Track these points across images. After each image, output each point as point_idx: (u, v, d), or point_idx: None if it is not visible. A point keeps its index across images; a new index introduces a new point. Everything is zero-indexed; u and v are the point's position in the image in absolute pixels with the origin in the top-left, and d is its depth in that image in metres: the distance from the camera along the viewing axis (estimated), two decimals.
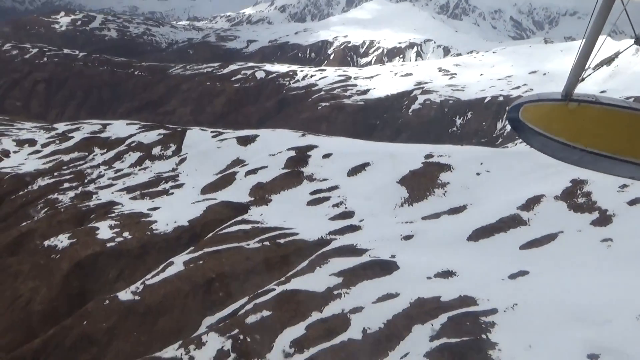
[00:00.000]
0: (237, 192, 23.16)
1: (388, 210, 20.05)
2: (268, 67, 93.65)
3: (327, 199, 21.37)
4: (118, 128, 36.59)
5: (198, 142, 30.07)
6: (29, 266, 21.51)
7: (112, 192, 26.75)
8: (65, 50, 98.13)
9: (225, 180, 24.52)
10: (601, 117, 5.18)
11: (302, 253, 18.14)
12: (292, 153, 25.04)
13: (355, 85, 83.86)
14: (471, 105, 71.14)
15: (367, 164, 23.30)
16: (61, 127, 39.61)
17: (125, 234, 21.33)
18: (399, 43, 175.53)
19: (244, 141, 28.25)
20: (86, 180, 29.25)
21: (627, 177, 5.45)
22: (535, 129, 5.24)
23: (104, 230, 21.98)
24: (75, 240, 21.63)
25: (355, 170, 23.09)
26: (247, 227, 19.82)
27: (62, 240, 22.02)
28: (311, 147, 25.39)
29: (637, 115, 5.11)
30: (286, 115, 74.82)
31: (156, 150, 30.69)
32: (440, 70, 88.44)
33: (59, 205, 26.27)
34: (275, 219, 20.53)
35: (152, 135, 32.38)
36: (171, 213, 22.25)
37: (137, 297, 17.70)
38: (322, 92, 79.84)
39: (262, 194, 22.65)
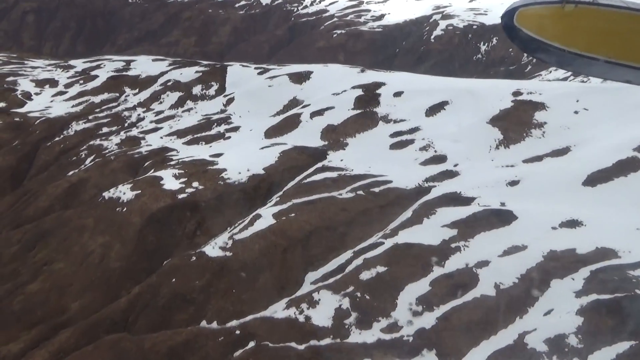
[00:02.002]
0: (307, 136, 22.04)
1: (483, 153, 19.14)
2: None
3: (411, 141, 20.37)
4: (144, 64, 34.64)
5: (243, 80, 28.47)
6: (92, 220, 20.68)
7: (161, 137, 25.53)
8: None
9: (289, 122, 23.29)
10: (598, 19, 5.02)
11: (402, 202, 17.40)
12: (359, 92, 23.68)
13: (368, 10, 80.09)
14: (496, 31, 68.30)
15: (445, 103, 22.11)
16: (79, 64, 37.50)
17: (195, 184, 20.39)
18: None
19: (298, 79, 26.72)
20: (126, 124, 27.87)
21: (623, 81, 5.34)
22: (530, 34, 5.10)
23: (169, 180, 21.01)
24: (140, 191, 20.69)
25: (433, 110, 21.93)
26: (333, 174, 18.92)
27: (124, 192, 21.09)
28: (378, 85, 24.01)
29: (635, 16, 4.93)
30: (299, 44, 71.80)
31: (197, 90, 29.13)
32: None
33: (106, 152, 25.07)
34: (358, 165, 19.61)
35: (188, 73, 30.65)
36: (239, 160, 21.22)
37: (228, 253, 17.05)
38: (335, 19, 76.30)
39: (335, 137, 21.56)
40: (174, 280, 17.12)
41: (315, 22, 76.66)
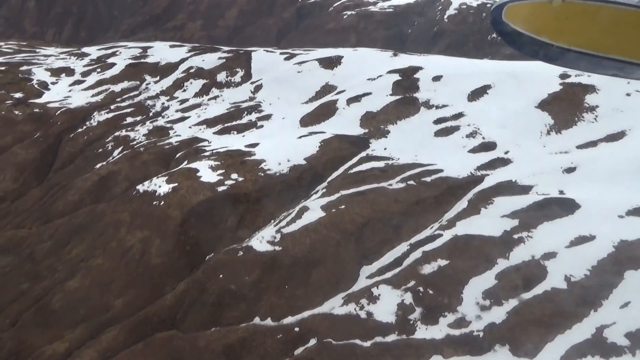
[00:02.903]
0: (345, 124, 21.61)
1: (534, 139, 18.74)
2: None
3: (457, 128, 19.95)
4: (162, 51, 34.05)
5: (270, 66, 27.93)
6: (128, 214, 20.37)
7: (190, 127, 25.11)
8: None
9: (325, 109, 22.83)
10: (586, 14, 5.12)
11: (455, 192, 17.06)
12: (396, 77, 23.18)
13: None
14: None
15: (487, 87, 21.64)
16: (93, 51, 36.89)
17: (234, 175, 20.02)
18: None
19: (328, 64, 26.18)
20: (151, 114, 27.42)
21: (610, 75, 5.46)
22: (518, 29, 5.21)
23: (206, 172, 20.65)
24: (176, 184, 20.34)
25: (476, 94, 21.47)
26: (380, 164, 18.54)
27: (160, 185, 20.74)
28: (415, 69, 23.50)
29: (622, 10, 5.04)
30: (309, 26, 70.91)
31: (221, 77, 28.59)
32: None
33: (134, 143, 24.67)
34: (404, 153, 19.22)
35: (211, 59, 30.09)
36: (277, 150, 20.82)
37: (277, 248, 16.75)
38: (344, 0, 75.17)
39: (376, 125, 21.14)
40: (221, 276, 16.86)
41: (324, 4, 75.61)
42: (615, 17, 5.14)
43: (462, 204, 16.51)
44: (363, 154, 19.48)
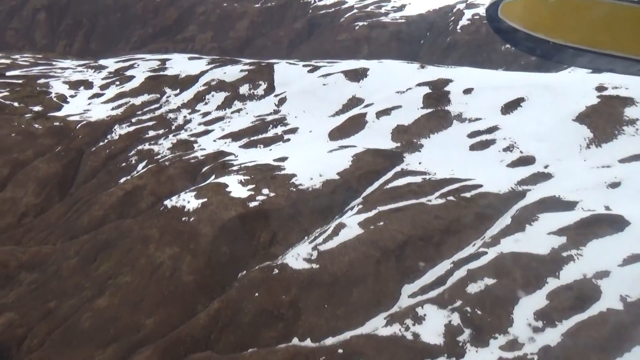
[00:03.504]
0: (376, 137, 21.37)
1: (573, 153, 18.42)
2: None
3: (492, 142, 19.66)
4: (181, 63, 34.01)
5: (293, 79, 27.77)
6: (156, 230, 20.11)
7: (214, 140, 24.91)
8: None
9: (354, 122, 22.60)
10: (582, 10, 5.13)
11: (497, 208, 16.73)
12: (426, 89, 22.96)
13: (388, 1, 79.05)
14: None
15: (521, 100, 21.38)
16: (110, 64, 36.89)
17: (265, 190, 19.76)
18: None
19: (354, 76, 26.00)
20: (173, 127, 27.27)
21: (607, 71, 5.44)
22: (515, 26, 5.19)
23: (236, 186, 20.40)
24: (206, 199, 20.10)
25: (509, 107, 21.20)
26: (417, 179, 18.24)
27: (188, 200, 20.50)
28: (445, 82, 23.28)
29: (619, 6, 5.05)
30: (320, 37, 70.95)
31: (244, 89, 28.45)
32: None
33: (159, 157, 24.47)
34: (440, 168, 18.92)
35: (232, 72, 29.98)
36: (307, 164, 20.57)
37: (315, 265, 16.43)
38: (355, 10, 75.31)
39: (408, 138, 20.88)
40: (257, 294, 16.54)
41: (334, 15, 75.73)
42: (612, 12, 5.11)
43: (505, 220, 16.17)
44: (398, 168, 19.19)
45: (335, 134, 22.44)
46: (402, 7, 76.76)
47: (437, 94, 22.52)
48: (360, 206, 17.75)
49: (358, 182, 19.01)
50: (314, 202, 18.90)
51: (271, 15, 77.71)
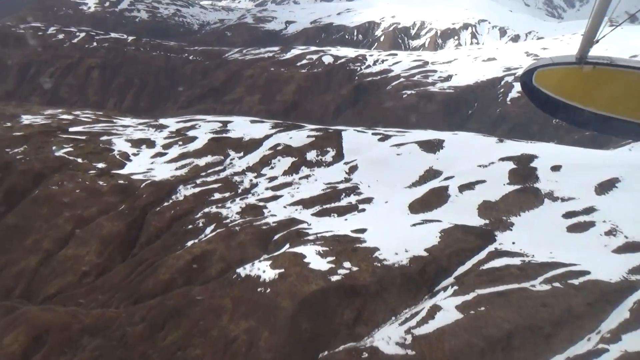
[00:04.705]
0: (461, 212, 20.62)
1: None
2: (334, 51, 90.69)
3: (591, 224, 18.69)
4: (243, 126, 34.43)
5: (363, 147, 27.61)
6: (229, 300, 19.37)
7: (285, 207, 24.51)
8: (113, 34, 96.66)
9: (435, 195, 21.99)
10: (616, 80, 5.04)
11: (610, 299, 15.56)
12: (511, 164, 22.37)
13: (434, 71, 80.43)
14: None
15: (615, 180, 20.54)
16: (171, 123, 37.64)
17: (347, 264, 19.01)
18: (453, 24, 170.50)
19: (429, 147, 25.66)
20: (239, 190, 27.09)
21: (638, 140, 5.59)
22: (548, 93, 5.30)
23: (313, 257, 19.72)
24: (283, 270, 19.41)
25: (604, 188, 20.35)
26: (515, 261, 17.28)
27: (264, 270, 19.85)
28: (530, 157, 22.69)
29: None
30: (366, 104, 72.01)
31: (311, 155, 28.34)
32: (528, 54, 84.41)
33: (227, 221, 24.11)
34: (537, 249, 17.96)
35: (298, 137, 30.06)
36: (389, 237, 19.85)
37: (410, 352, 15.34)
38: (402, 79, 76.69)
39: (496, 215, 20.07)
40: None
41: (381, 82, 77.16)
42: None
43: (622, 313, 14.96)
44: (491, 247, 18.29)
45: (416, 207, 21.79)
46: (449, 78, 77.84)
47: (524, 170, 21.87)
48: (456, 287, 16.78)
49: (448, 260, 18.14)
50: (401, 279, 18.02)
51: (317, 80, 79.61)
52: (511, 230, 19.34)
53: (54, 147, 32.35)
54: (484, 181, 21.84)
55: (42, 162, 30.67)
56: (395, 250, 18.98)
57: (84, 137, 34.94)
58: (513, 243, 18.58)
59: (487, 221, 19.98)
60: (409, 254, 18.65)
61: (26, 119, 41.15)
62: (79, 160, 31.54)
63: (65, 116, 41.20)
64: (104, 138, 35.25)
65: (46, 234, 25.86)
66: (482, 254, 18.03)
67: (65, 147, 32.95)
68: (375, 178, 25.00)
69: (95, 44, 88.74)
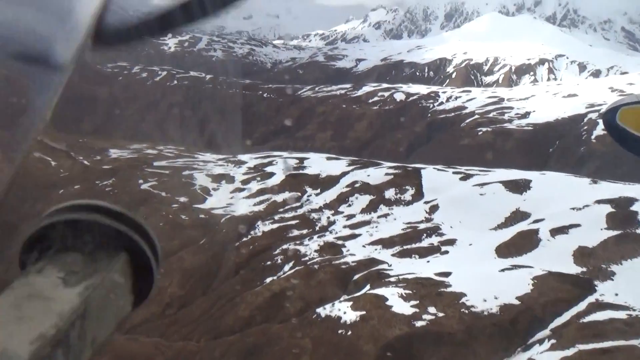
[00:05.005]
0: (553, 258, 19.48)
1: None
2: (405, 88, 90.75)
3: None
4: (319, 163, 34.69)
5: (444, 186, 26.96)
6: (309, 341, 19.09)
7: (364, 246, 24.18)
8: (192, 73, 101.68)
9: (525, 239, 20.98)
10: None
11: None
12: (609, 208, 21.06)
13: (511, 107, 78.46)
14: None
15: None
16: (249, 160, 38.55)
17: (431, 309, 18.31)
18: (528, 59, 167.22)
19: (515, 187, 24.70)
20: (317, 228, 27.06)
21: None
22: (635, 133, 4.70)
23: (396, 300, 19.16)
24: (364, 312, 18.96)
25: None
26: (619, 314, 15.99)
27: (344, 311, 19.47)
28: (629, 200, 21.29)
29: None
30: (440, 141, 71.01)
31: (390, 194, 27.99)
32: (612, 90, 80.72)
33: (306, 259, 24.05)
34: None
35: (376, 174, 29.85)
36: (475, 282, 18.98)
37: None
38: (476, 116, 75.27)
39: (594, 263, 18.79)
40: None
41: (455, 119, 76.07)
42: None
43: None
44: (591, 298, 17.06)
45: (504, 251, 20.83)
46: (527, 114, 75.56)
47: (623, 214, 20.50)
48: (553, 341, 15.67)
49: (543, 310, 17.06)
50: (491, 329, 17.09)
51: (389, 117, 79.63)
52: (612, 280, 18.00)
53: (140, 181, 33.91)
54: (578, 225, 20.61)
55: (129, 195, 32.18)
56: (483, 296, 18.11)
57: (167, 172, 36.43)
58: (616, 294, 17.25)
59: (584, 269, 18.74)
60: (499, 302, 17.72)
61: (114, 153, 43.63)
62: (163, 194, 32.82)
63: (149, 150, 43.30)
64: (186, 172, 36.59)
65: None
66: (582, 305, 16.82)
67: (150, 181, 34.46)
68: (457, 218, 24.24)
69: (175, 82, 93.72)
